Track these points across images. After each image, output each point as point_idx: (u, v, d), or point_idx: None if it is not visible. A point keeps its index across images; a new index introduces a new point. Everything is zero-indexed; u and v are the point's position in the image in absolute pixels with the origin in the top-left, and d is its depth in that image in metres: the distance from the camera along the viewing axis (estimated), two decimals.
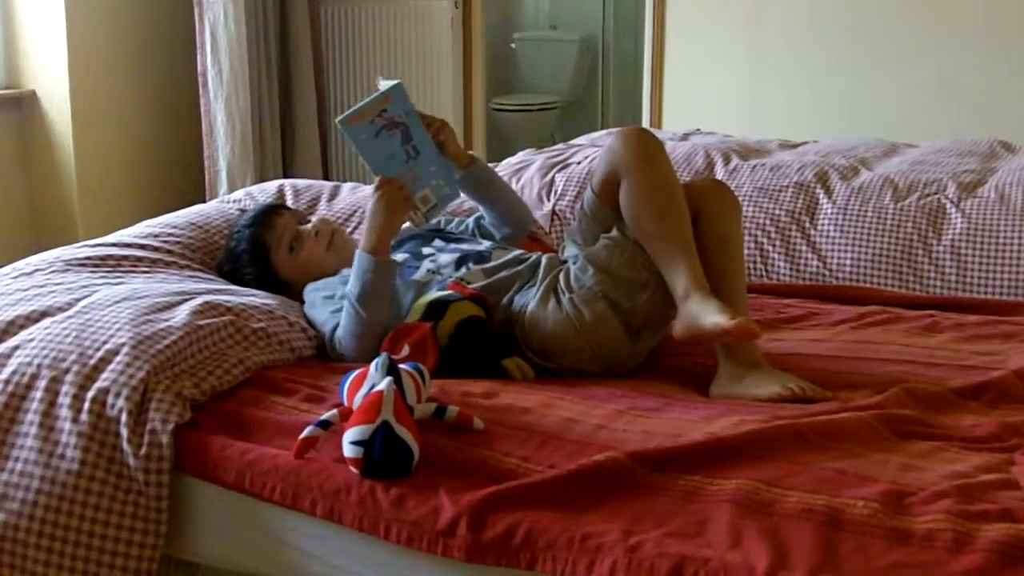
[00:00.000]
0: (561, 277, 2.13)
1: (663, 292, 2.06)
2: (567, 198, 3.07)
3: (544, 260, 2.22)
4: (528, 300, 2.14)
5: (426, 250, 2.33)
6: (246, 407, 1.88)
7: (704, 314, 1.94)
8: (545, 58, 6.57)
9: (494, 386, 1.95)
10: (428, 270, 2.25)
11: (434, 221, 2.45)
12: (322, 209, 2.85)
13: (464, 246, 2.33)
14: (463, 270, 2.23)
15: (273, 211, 2.42)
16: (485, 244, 2.34)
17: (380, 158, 2.15)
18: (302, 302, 2.27)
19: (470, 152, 2.34)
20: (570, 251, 2.26)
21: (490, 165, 3.26)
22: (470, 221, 2.50)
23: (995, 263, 2.63)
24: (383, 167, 2.15)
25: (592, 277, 2.08)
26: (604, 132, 3.92)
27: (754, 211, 2.89)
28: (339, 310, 2.15)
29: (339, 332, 2.12)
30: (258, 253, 2.35)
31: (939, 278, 2.67)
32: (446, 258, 2.28)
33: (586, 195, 2.24)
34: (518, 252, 2.30)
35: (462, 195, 2.38)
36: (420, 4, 4.81)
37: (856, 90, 4.45)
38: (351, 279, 2.13)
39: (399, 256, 2.31)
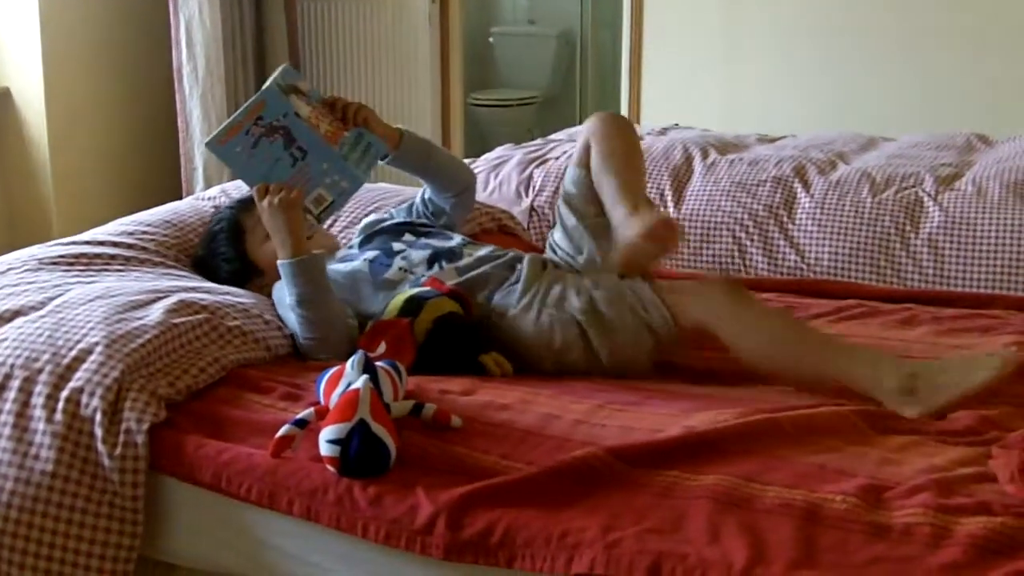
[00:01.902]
0: (555, 290, 2.12)
1: (641, 340, 2.06)
2: (545, 194, 3.06)
3: (527, 260, 2.21)
4: (511, 302, 2.13)
5: (396, 246, 2.30)
6: (222, 406, 1.87)
7: (625, 228, 2.09)
8: (523, 53, 6.56)
9: (472, 383, 1.94)
10: (400, 268, 2.23)
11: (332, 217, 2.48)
12: None
13: (435, 242, 2.30)
14: (435, 268, 2.21)
15: None
16: (456, 240, 2.32)
17: (263, 169, 2.07)
18: (270, 296, 2.25)
19: (398, 126, 2.30)
20: (558, 236, 2.32)
21: (467, 161, 3.25)
22: (416, 201, 2.47)
23: (972, 256, 2.64)
24: (268, 177, 2.08)
25: (578, 301, 2.08)
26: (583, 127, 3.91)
27: (732, 205, 2.89)
28: None
29: (299, 339, 2.10)
30: (234, 234, 2.35)
31: (916, 271, 2.67)
32: (418, 256, 2.25)
33: (569, 173, 2.30)
34: (490, 248, 2.28)
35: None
36: None
37: (834, 84, 4.46)
38: (285, 289, 2.09)
39: (369, 253, 2.28)
